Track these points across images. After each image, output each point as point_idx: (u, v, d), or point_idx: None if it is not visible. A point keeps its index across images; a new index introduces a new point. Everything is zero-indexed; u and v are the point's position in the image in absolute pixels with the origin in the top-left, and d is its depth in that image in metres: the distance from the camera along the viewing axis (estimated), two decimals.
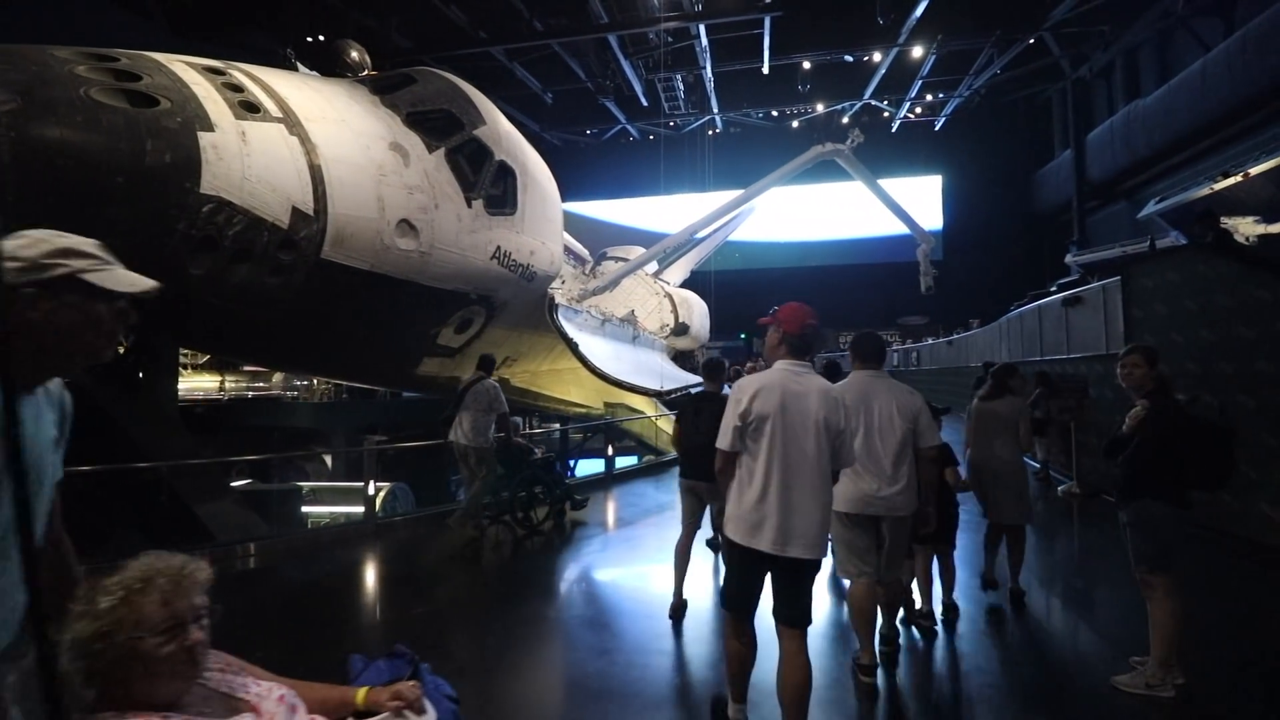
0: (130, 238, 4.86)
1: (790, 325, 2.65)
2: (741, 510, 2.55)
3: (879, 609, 3.36)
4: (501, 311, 8.79)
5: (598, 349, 12.32)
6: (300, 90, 6.42)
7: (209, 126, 5.18)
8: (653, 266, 24.74)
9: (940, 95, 28.29)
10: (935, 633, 3.85)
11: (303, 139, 5.93)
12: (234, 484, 14.06)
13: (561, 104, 27.28)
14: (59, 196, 4.44)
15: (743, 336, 39.41)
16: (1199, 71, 16.82)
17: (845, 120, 27.94)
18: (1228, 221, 10.22)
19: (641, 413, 15.03)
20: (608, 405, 15.44)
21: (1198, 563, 4.89)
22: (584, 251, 21.29)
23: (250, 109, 5.64)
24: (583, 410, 14.14)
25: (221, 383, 20.38)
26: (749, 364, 11.46)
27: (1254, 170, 11.24)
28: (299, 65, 10.89)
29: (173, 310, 5.73)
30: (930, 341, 25.33)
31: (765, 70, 23.67)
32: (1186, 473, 2.97)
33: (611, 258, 19.71)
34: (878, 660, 3.30)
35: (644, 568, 5.51)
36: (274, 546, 6.12)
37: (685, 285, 26.87)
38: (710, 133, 32.43)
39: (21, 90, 4.30)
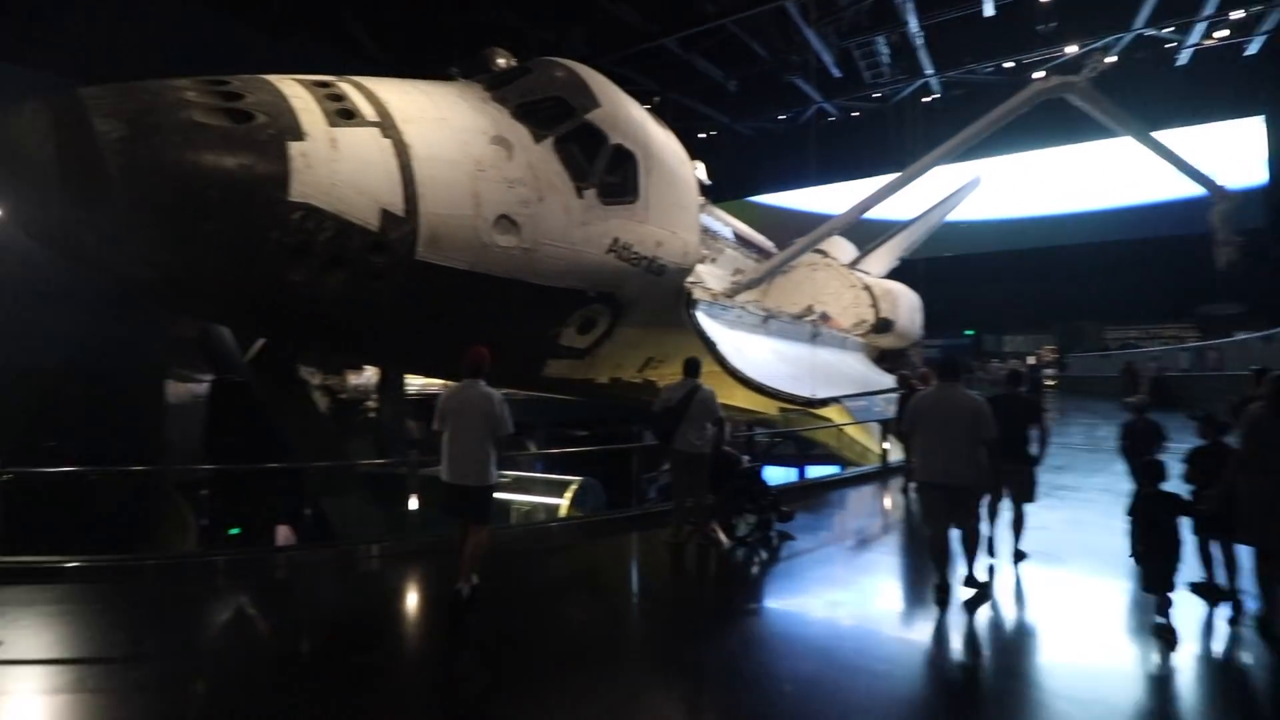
0: (229, 247, 5.17)
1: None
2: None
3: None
4: (629, 310, 8.12)
5: (754, 350, 11.07)
6: (406, 95, 6.41)
7: (299, 136, 5.28)
8: (849, 255, 22.31)
9: (1254, 8, 21.16)
10: None
11: (396, 141, 5.85)
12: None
13: (748, 91, 26.01)
14: (162, 212, 4.80)
15: (969, 333, 34.24)
16: None
17: (1112, 59, 22.17)
18: None
19: (828, 420, 13.30)
20: (782, 411, 13.98)
21: None
22: (768, 244, 19.85)
23: (346, 115, 5.68)
24: (747, 417, 12.90)
25: None
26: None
27: None
28: None
29: (281, 317, 6.06)
30: (1241, 336, 19.10)
31: (988, 12, 19.83)
32: None
33: None
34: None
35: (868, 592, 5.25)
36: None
37: (892, 276, 23.76)
38: (924, 99, 28.44)
39: (129, 119, 4.69)
